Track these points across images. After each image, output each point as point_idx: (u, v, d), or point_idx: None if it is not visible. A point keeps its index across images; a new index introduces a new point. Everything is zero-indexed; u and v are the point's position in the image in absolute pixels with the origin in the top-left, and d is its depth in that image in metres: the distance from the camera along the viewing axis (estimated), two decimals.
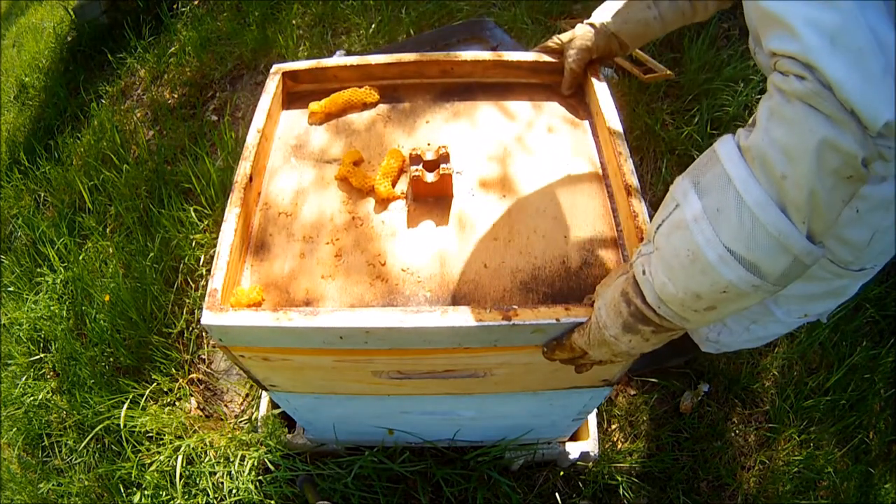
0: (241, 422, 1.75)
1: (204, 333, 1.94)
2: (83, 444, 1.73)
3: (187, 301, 1.98)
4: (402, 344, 0.87)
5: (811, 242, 0.59)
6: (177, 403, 1.81)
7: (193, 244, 2.07)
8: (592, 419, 1.58)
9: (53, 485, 1.71)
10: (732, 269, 0.61)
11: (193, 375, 1.87)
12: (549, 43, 1.18)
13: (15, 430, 1.85)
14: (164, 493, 1.57)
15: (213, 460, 1.61)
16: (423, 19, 2.67)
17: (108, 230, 2.25)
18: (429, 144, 1.11)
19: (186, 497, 1.57)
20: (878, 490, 1.64)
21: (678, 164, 2.16)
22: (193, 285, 2.01)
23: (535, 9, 2.64)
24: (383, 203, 1.03)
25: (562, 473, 1.61)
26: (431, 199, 1.03)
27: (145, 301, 1.91)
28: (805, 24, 0.53)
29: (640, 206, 0.92)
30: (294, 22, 2.82)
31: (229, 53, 2.78)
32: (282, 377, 1.03)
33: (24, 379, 1.93)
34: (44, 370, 1.98)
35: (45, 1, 4.06)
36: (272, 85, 1.16)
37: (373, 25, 2.67)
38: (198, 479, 1.59)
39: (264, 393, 1.68)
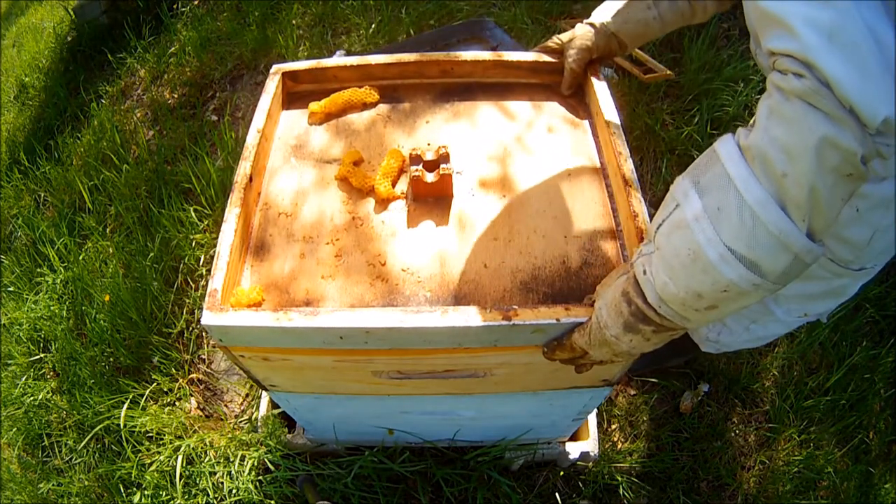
0: (241, 422, 1.75)
1: (204, 333, 1.94)
2: (83, 444, 1.73)
3: (187, 301, 1.98)
4: (402, 344, 0.87)
5: (811, 241, 0.59)
6: (177, 403, 1.81)
7: (193, 244, 2.07)
8: (592, 419, 1.58)
9: (53, 485, 1.71)
10: (733, 268, 0.61)
11: (193, 375, 1.87)
12: (549, 43, 1.18)
13: (15, 430, 1.85)
14: (164, 493, 1.57)
15: (213, 460, 1.61)
16: (423, 19, 2.67)
17: (108, 230, 2.25)
18: (429, 144, 1.11)
19: (186, 497, 1.57)
20: (878, 490, 1.64)
21: (678, 164, 2.16)
22: (193, 285, 2.01)
23: (535, 9, 2.64)
24: (383, 203, 1.03)
25: (562, 473, 1.61)
26: (431, 199, 1.03)
27: (145, 301, 1.91)
28: (803, 22, 0.53)
29: (640, 206, 0.92)
30: (294, 22, 2.82)
31: (229, 53, 2.78)
32: (282, 377, 1.03)
33: (24, 379, 1.93)
34: (44, 370, 1.98)
35: (45, 1, 4.06)
36: (272, 85, 1.16)
37: (373, 25, 2.67)
38: (198, 479, 1.59)
39: (264, 393, 1.68)
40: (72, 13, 3.14)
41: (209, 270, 1.37)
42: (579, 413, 1.26)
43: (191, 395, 1.84)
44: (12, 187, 2.57)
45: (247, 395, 1.83)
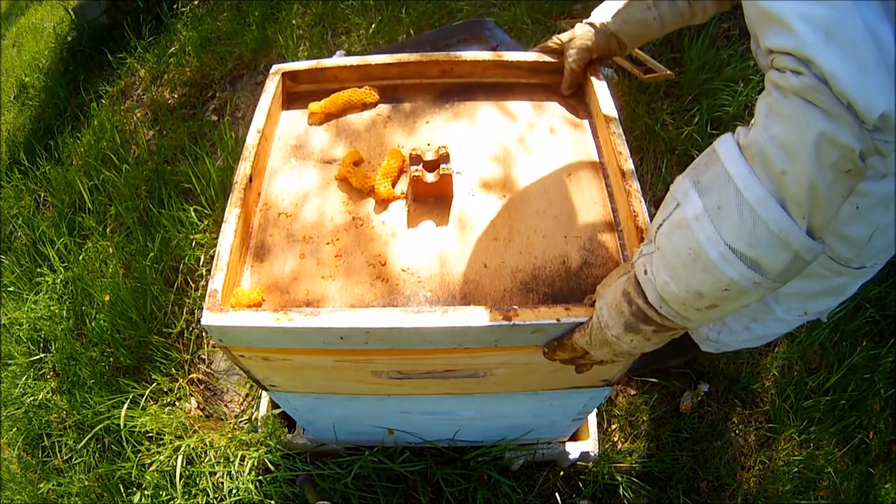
0: (241, 422, 1.75)
1: (204, 333, 1.94)
2: (83, 444, 1.73)
3: (187, 301, 1.98)
4: (402, 344, 0.87)
5: (811, 238, 0.59)
6: (177, 403, 1.81)
7: (193, 244, 2.07)
8: (592, 419, 1.58)
9: (53, 485, 1.71)
10: (734, 267, 0.61)
11: (193, 375, 1.87)
12: (549, 43, 1.18)
13: (15, 430, 1.85)
14: (164, 493, 1.57)
15: (213, 460, 1.61)
16: (423, 19, 2.67)
17: (108, 230, 2.25)
18: (429, 145, 1.11)
19: (186, 497, 1.57)
20: (878, 490, 1.64)
21: (678, 164, 2.16)
22: (193, 285, 2.01)
23: (535, 9, 2.64)
24: (383, 203, 1.03)
25: (562, 473, 1.61)
26: (431, 199, 1.03)
27: (145, 301, 1.91)
28: (800, 19, 0.53)
29: (640, 206, 0.92)
30: (294, 22, 2.82)
31: (229, 53, 2.78)
32: (282, 377, 1.03)
33: (24, 379, 1.93)
34: (44, 370, 1.98)
35: (45, 1, 4.06)
36: (272, 85, 1.16)
37: (373, 25, 2.67)
38: (198, 479, 1.59)
39: (264, 393, 1.68)
40: (72, 13, 3.14)
41: (209, 270, 1.37)
42: (579, 413, 1.26)
43: (191, 395, 1.84)
44: (12, 187, 2.57)
45: (247, 395, 1.83)
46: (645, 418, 1.72)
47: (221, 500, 1.56)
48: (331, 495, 1.50)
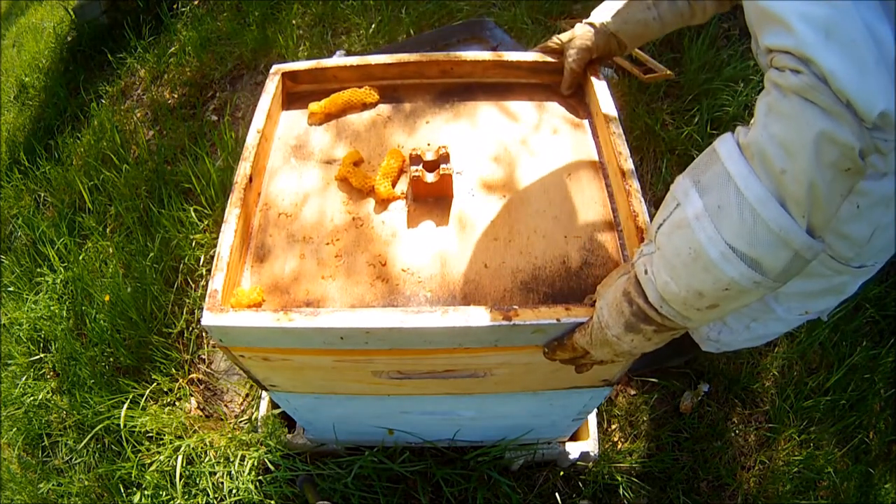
0: (241, 422, 1.75)
1: (204, 333, 1.94)
2: (83, 444, 1.73)
3: (187, 301, 1.98)
4: (402, 344, 0.87)
5: (811, 237, 0.59)
6: (177, 403, 1.81)
7: (193, 244, 2.07)
8: (592, 419, 1.58)
9: (53, 485, 1.71)
10: (734, 266, 0.61)
11: (193, 375, 1.87)
12: (549, 43, 1.18)
13: (15, 430, 1.85)
14: (164, 493, 1.57)
15: (213, 460, 1.61)
16: (423, 19, 2.67)
17: (108, 230, 2.25)
18: (429, 145, 1.11)
19: (186, 497, 1.57)
20: (878, 490, 1.64)
21: (678, 164, 2.16)
22: (193, 285, 2.01)
23: (535, 9, 2.64)
24: (383, 203, 1.03)
25: (562, 473, 1.61)
26: (431, 199, 1.03)
27: (145, 301, 1.91)
28: (800, 19, 0.54)
29: (640, 206, 0.92)
30: (294, 22, 2.82)
31: (229, 53, 2.78)
32: (282, 377, 1.03)
33: (24, 379, 1.93)
34: (44, 370, 1.98)
35: (45, 1, 4.06)
36: (272, 85, 1.16)
37: (373, 25, 2.67)
38: (198, 479, 1.59)
39: (264, 393, 1.68)
40: (72, 13, 3.14)
41: (209, 270, 1.37)
42: (579, 413, 1.26)
43: (191, 395, 1.84)
44: (12, 187, 2.57)
45: (247, 395, 1.83)
46: (645, 418, 1.72)
47: (221, 500, 1.56)
48: (331, 495, 1.50)
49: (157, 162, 2.35)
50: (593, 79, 1.13)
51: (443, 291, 0.92)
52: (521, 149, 1.10)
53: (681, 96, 2.33)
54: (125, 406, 1.70)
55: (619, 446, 1.67)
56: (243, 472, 1.56)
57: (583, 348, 0.81)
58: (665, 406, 1.75)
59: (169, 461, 1.62)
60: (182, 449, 1.62)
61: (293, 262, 0.96)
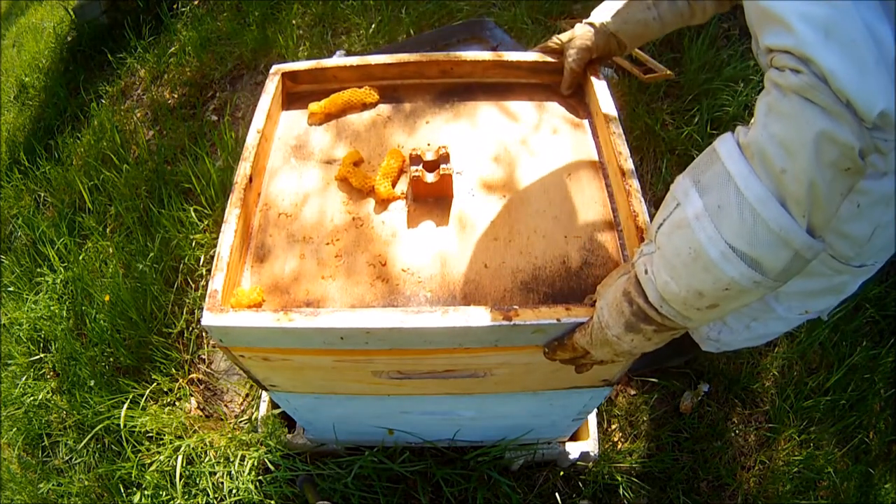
0: (241, 422, 1.75)
1: (204, 333, 1.94)
2: (83, 444, 1.73)
3: (187, 301, 1.98)
4: (402, 344, 0.87)
5: (811, 237, 0.59)
6: (177, 403, 1.81)
7: (193, 244, 2.07)
8: (592, 419, 1.58)
9: (53, 485, 1.71)
10: (735, 266, 0.61)
11: (193, 375, 1.87)
12: (549, 43, 1.18)
13: (15, 430, 1.85)
14: (164, 493, 1.57)
15: (213, 460, 1.61)
16: (423, 19, 2.67)
17: (108, 230, 2.25)
18: (429, 145, 1.11)
19: (186, 497, 1.57)
20: (878, 490, 1.64)
21: (678, 164, 2.16)
22: (193, 285, 2.01)
23: (535, 9, 2.64)
24: (383, 203, 1.03)
25: (562, 473, 1.61)
26: (431, 199, 1.03)
27: (145, 301, 1.91)
28: (799, 18, 0.54)
29: (640, 206, 0.92)
30: (294, 22, 2.82)
31: (229, 53, 2.78)
32: (282, 377, 1.03)
33: (24, 379, 1.93)
34: (44, 370, 1.98)
35: (45, 1, 4.06)
36: (272, 85, 1.16)
37: (373, 25, 2.67)
38: (198, 479, 1.59)
39: (264, 393, 1.68)
40: (72, 13, 3.14)
41: (209, 270, 1.37)
42: (579, 413, 1.26)
43: (191, 395, 1.84)
44: (12, 187, 2.57)
45: (247, 395, 1.83)
46: (645, 418, 1.72)
47: (221, 500, 1.56)
48: (331, 495, 1.50)
49: (157, 162, 2.35)
50: (593, 79, 1.13)
51: (443, 291, 0.92)
52: (521, 149, 1.10)
53: (681, 96, 2.33)
54: (125, 406, 1.70)
55: (619, 446, 1.67)
56: (243, 472, 1.56)
57: (583, 348, 0.81)
58: (665, 406, 1.75)
59: (169, 461, 1.62)
60: (182, 449, 1.62)
61: (293, 262, 0.96)
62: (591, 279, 0.92)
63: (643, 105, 2.28)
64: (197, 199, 2.17)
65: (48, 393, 1.89)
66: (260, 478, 1.57)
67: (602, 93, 1.10)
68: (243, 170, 1.01)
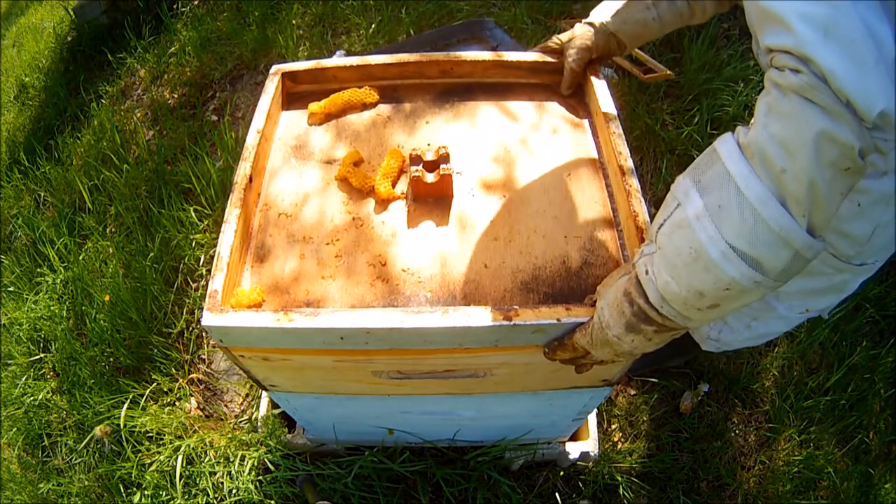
0: (241, 422, 1.75)
1: (204, 333, 1.94)
2: (83, 444, 1.73)
3: (187, 301, 1.98)
4: (402, 344, 0.87)
5: (811, 236, 0.59)
6: (177, 403, 1.81)
7: (193, 244, 2.07)
8: (592, 419, 1.58)
9: (53, 485, 1.71)
10: (735, 266, 0.61)
11: (193, 375, 1.87)
12: (549, 43, 1.18)
13: (15, 430, 1.85)
14: (164, 493, 1.57)
15: (213, 460, 1.61)
16: (423, 19, 2.67)
17: (108, 230, 2.25)
18: (429, 145, 1.11)
19: (186, 497, 1.57)
20: (878, 490, 1.64)
21: (678, 164, 2.16)
22: (193, 285, 2.01)
23: (535, 9, 2.64)
24: (383, 203, 1.03)
25: (562, 473, 1.61)
26: (431, 199, 1.03)
27: (145, 301, 1.91)
28: (799, 18, 0.54)
29: (640, 206, 0.92)
30: (294, 22, 2.82)
31: (229, 53, 2.78)
32: (282, 377, 1.03)
33: (24, 379, 1.93)
34: (44, 370, 1.98)
35: (45, 1, 4.06)
36: (272, 86, 1.16)
37: (373, 25, 2.67)
38: (198, 479, 1.59)
39: (264, 393, 1.68)
40: (72, 13, 3.14)
41: (209, 270, 1.37)
42: (579, 413, 1.26)
43: (191, 395, 1.84)
44: (12, 187, 2.57)
45: (247, 395, 1.83)
46: (645, 418, 1.72)
47: (221, 500, 1.56)
48: (331, 495, 1.50)
49: (157, 162, 2.35)
50: (593, 78, 1.13)
51: (443, 291, 0.92)
52: (521, 149, 1.10)
53: (681, 96, 2.33)
54: (125, 406, 1.70)
55: (619, 446, 1.67)
56: (243, 472, 1.56)
57: (583, 348, 0.81)
58: (665, 406, 1.75)
59: (169, 461, 1.62)
60: (182, 449, 1.62)
61: (293, 263, 0.96)
62: (591, 279, 0.92)
63: (643, 105, 2.28)
64: (197, 199, 2.17)
65: (48, 393, 1.89)
66: (260, 478, 1.57)
67: (602, 92, 1.10)
68: (243, 170, 1.01)
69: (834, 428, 1.70)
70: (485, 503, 1.51)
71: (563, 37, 1.16)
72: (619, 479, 1.59)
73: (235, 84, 2.72)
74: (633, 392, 1.78)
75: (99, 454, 1.74)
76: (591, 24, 1.12)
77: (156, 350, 1.85)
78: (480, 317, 0.81)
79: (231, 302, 0.88)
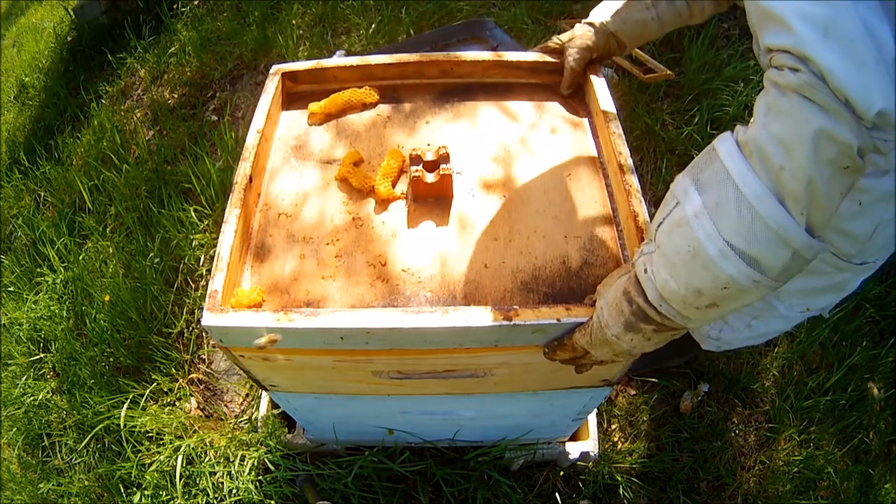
0: (241, 422, 1.75)
1: (204, 333, 1.94)
2: (83, 444, 1.73)
3: (187, 301, 1.98)
4: (402, 344, 0.87)
5: (810, 236, 0.59)
6: (177, 403, 1.81)
7: (193, 244, 2.07)
8: (592, 419, 1.58)
9: (53, 485, 1.71)
10: (733, 264, 0.61)
11: (193, 375, 1.87)
12: (549, 43, 1.18)
13: (15, 430, 1.85)
14: (164, 493, 1.57)
15: (213, 460, 1.61)
16: (423, 19, 2.67)
17: (108, 230, 2.25)
18: (429, 145, 1.11)
19: (186, 497, 1.57)
20: (878, 490, 1.64)
21: (678, 164, 2.16)
22: (193, 285, 2.01)
23: (535, 9, 2.64)
24: (383, 203, 1.03)
25: (562, 473, 1.61)
26: (431, 199, 1.03)
27: (145, 301, 1.91)
28: (798, 17, 0.54)
29: (639, 206, 0.92)
30: (294, 22, 2.82)
31: (229, 53, 2.78)
32: (282, 377, 1.03)
33: (24, 379, 1.93)
34: (44, 370, 1.98)
35: (45, 1, 4.06)
36: (272, 86, 1.16)
37: (373, 25, 2.67)
38: (198, 479, 1.59)
39: (264, 393, 1.68)
40: (72, 13, 3.14)
41: (209, 270, 1.37)
42: (579, 413, 1.26)
43: (191, 395, 1.84)
44: (12, 187, 2.57)
45: (247, 395, 1.83)
46: (645, 418, 1.72)
47: (221, 500, 1.56)
48: (331, 495, 1.50)
49: (157, 162, 2.35)
50: (593, 77, 1.13)
51: (443, 291, 0.92)
52: (521, 149, 1.10)
53: (681, 96, 2.33)
54: (125, 406, 1.70)
55: (619, 446, 1.67)
56: (243, 472, 1.56)
57: (583, 348, 0.81)
58: (665, 406, 1.75)
59: (169, 461, 1.62)
60: (182, 449, 1.62)
61: (293, 263, 0.96)
62: (591, 279, 0.92)
63: (643, 105, 2.28)
64: (197, 199, 2.17)
65: (48, 393, 1.89)
66: (260, 478, 1.57)
67: (602, 91, 1.10)
68: (243, 170, 1.01)
69: (834, 428, 1.70)
70: (485, 503, 1.51)
71: (564, 37, 1.16)
72: (619, 479, 1.59)
73: (235, 84, 2.72)
74: (633, 392, 1.78)
75: (99, 454, 1.74)
76: (590, 24, 1.12)
77: (156, 350, 1.85)
78: (480, 317, 0.81)
79: (231, 302, 0.88)
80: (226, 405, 1.83)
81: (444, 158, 0.99)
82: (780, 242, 0.59)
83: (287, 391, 1.11)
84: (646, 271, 0.70)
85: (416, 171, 0.98)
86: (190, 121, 2.58)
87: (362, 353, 0.90)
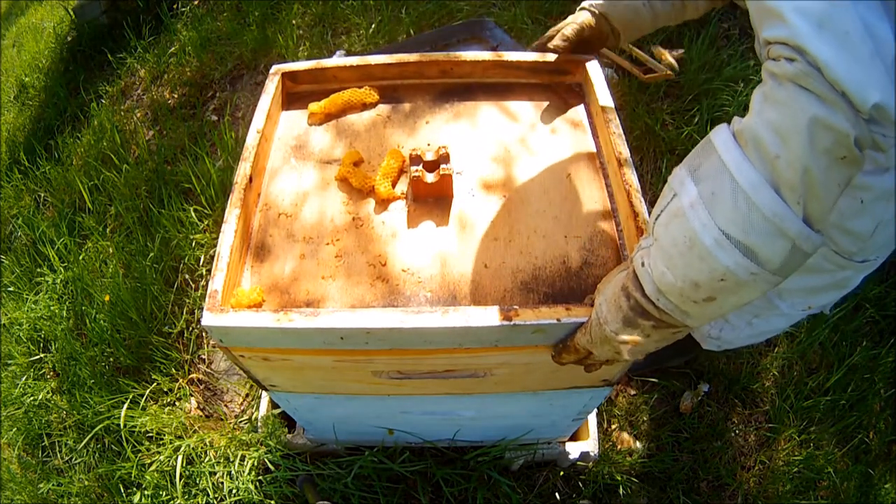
0: (241, 422, 1.75)
1: (204, 333, 1.94)
2: (83, 444, 1.73)
3: (187, 301, 1.98)
4: (402, 344, 0.87)
5: (809, 227, 0.58)
6: (177, 403, 1.81)
7: (193, 244, 2.07)
8: (592, 419, 1.58)
9: (53, 485, 1.71)
10: (729, 254, 0.60)
11: (193, 375, 1.87)
12: (546, 34, 1.19)
13: (15, 430, 1.85)
14: (164, 493, 1.57)
15: (213, 460, 1.61)
16: (423, 19, 2.67)
17: (108, 230, 2.25)
18: (429, 145, 1.11)
19: (186, 497, 1.57)
20: (878, 490, 1.64)
21: (678, 163, 2.15)
22: (193, 285, 2.01)
23: (535, 9, 2.64)
24: (383, 203, 1.03)
25: (562, 473, 1.61)
26: (431, 199, 1.03)
27: (145, 301, 1.91)
28: (794, 11, 0.55)
29: (640, 206, 0.92)
30: (294, 22, 2.82)
31: (229, 53, 2.78)
32: (282, 377, 1.03)
33: (24, 379, 1.93)
34: (44, 370, 1.98)
35: (45, 1, 4.06)
36: (272, 86, 1.16)
37: (373, 25, 2.67)
38: (198, 479, 1.59)
39: (264, 393, 1.68)
40: (72, 13, 3.14)
41: (209, 270, 1.37)
42: (579, 413, 1.26)
43: (191, 395, 1.84)
44: (12, 187, 2.57)
45: (247, 395, 1.83)
46: (645, 418, 1.72)
47: (221, 500, 1.56)
48: (331, 495, 1.50)
49: (157, 162, 2.35)
50: (593, 78, 1.13)
51: (443, 291, 0.92)
52: (521, 149, 1.10)
53: (681, 96, 2.33)
54: (125, 406, 1.70)
55: (619, 446, 1.67)
56: (243, 472, 1.56)
57: (584, 348, 0.81)
58: (665, 406, 1.75)
59: (169, 461, 1.62)
60: (182, 449, 1.62)
61: (293, 263, 0.96)
62: (591, 279, 0.92)
63: (643, 105, 2.28)
64: (197, 199, 2.17)
65: (48, 393, 1.89)
66: (260, 478, 1.57)
67: (602, 93, 1.10)
68: (243, 170, 1.01)
69: (834, 428, 1.70)
70: (485, 503, 1.51)
71: (558, 25, 1.17)
72: (619, 479, 1.59)
73: (235, 84, 2.72)
74: (633, 392, 1.78)
75: (99, 454, 1.74)
76: (584, 8, 1.14)
77: (156, 350, 1.85)
78: (480, 317, 0.81)
79: (231, 302, 0.88)
80: (226, 405, 1.83)
81: (444, 158, 0.99)
82: (777, 232, 0.58)
83: (287, 391, 1.11)
84: (643, 265, 0.70)
85: (416, 171, 0.98)
86: (190, 121, 2.58)
87: (362, 353, 0.90)
